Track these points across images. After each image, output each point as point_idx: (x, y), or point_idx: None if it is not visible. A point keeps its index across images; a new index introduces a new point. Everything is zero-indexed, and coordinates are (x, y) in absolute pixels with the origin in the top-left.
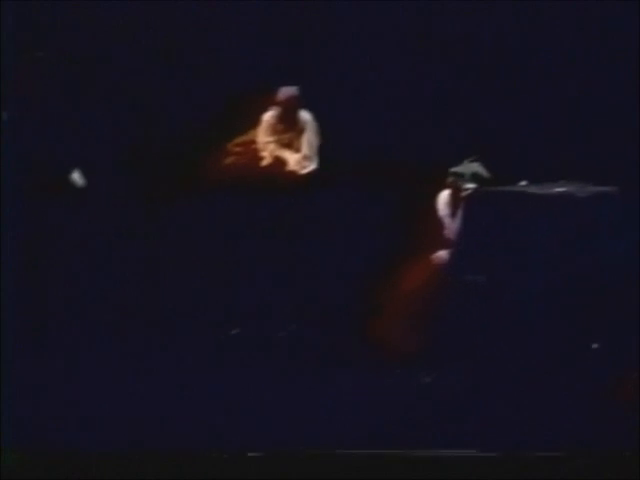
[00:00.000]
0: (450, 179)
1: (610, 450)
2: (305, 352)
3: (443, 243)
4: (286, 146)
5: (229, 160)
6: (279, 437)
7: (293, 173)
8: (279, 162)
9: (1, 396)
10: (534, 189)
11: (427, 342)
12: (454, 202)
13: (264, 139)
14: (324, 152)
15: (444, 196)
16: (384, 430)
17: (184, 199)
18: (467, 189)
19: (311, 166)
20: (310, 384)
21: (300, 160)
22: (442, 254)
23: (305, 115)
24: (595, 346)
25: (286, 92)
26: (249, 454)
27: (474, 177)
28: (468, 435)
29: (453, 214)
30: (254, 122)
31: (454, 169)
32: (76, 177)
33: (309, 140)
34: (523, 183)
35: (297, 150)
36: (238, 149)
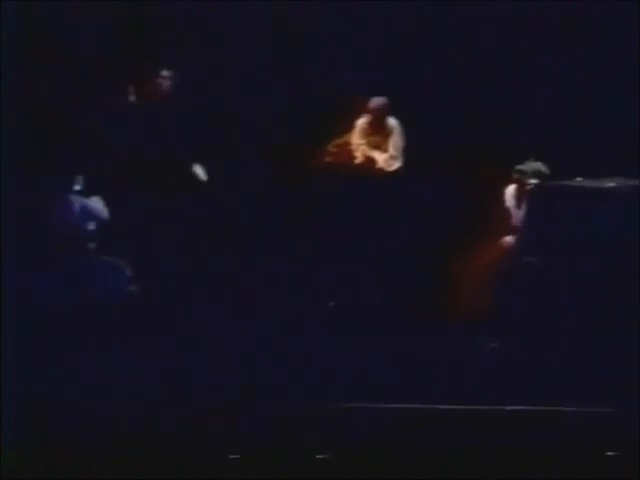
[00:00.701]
0: (516, 175)
1: (610, 450)
2: (392, 319)
3: (509, 229)
4: (376, 147)
5: (329, 158)
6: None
7: (381, 170)
8: (370, 161)
9: (1, 396)
10: (588, 184)
11: (493, 311)
12: (519, 195)
13: (357, 141)
14: (408, 152)
15: (510, 190)
16: (456, 387)
17: (292, 189)
18: (530, 184)
19: (397, 164)
20: (393, 347)
21: (387, 159)
22: (508, 239)
23: (392, 121)
24: None
25: (377, 101)
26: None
27: (536, 174)
28: (528, 391)
29: (518, 205)
30: (349, 127)
31: (519, 167)
32: (198, 170)
33: (395, 142)
34: (579, 179)
35: (385, 151)
36: (336, 149)
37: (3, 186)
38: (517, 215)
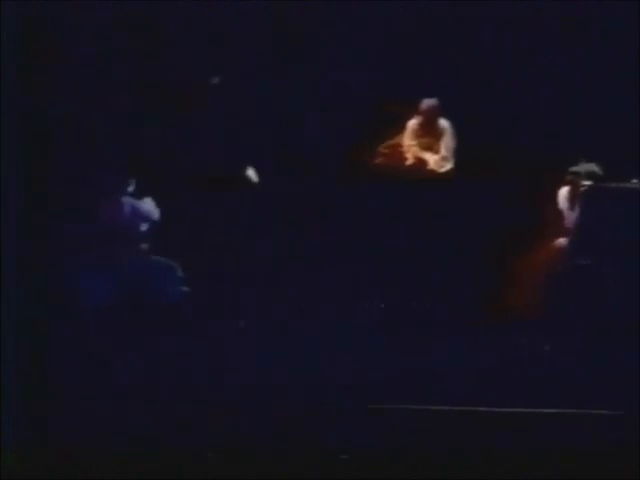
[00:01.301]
0: (569, 177)
1: (610, 450)
2: (441, 319)
3: (563, 231)
4: (427, 149)
5: (380, 160)
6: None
7: (433, 171)
8: (421, 162)
9: (1, 396)
10: None
11: (546, 312)
12: (573, 197)
13: (408, 142)
14: (460, 153)
15: (564, 191)
16: (507, 390)
17: (344, 190)
18: (583, 185)
19: (448, 165)
20: (445, 347)
21: (439, 161)
22: (562, 240)
23: (443, 122)
24: None
25: (428, 103)
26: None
27: (589, 175)
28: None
29: (572, 207)
30: (400, 128)
31: (573, 168)
32: (251, 174)
33: (447, 143)
34: (634, 180)
35: (436, 152)
36: (387, 151)
37: (3, 186)
38: (571, 216)
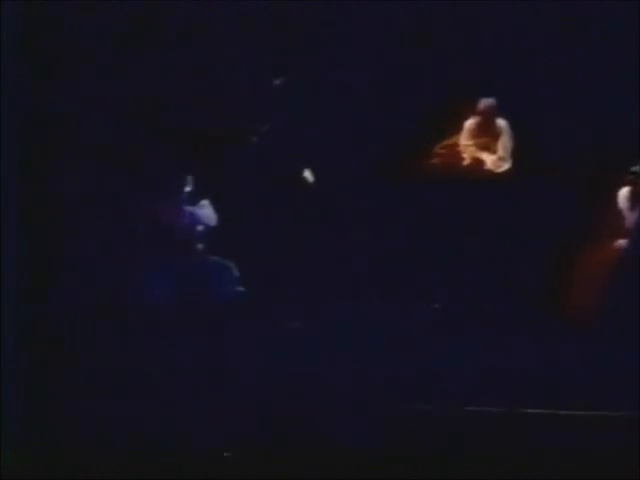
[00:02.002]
0: (630, 177)
1: (610, 450)
2: (504, 320)
3: (622, 231)
4: (484, 149)
5: (436, 160)
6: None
7: (490, 172)
8: (478, 162)
9: (1, 396)
10: None
11: (605, 313)
12: (633, 197)
13: (465, 142)
14: (518, 153)
15: (624, 192)
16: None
17: (398, 191)
18: None
19: (505, 166)
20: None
21: (496, 161)
22: (622, 240)
23: (501, 122)
24: None
25: (485, 102)
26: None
27: None
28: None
29: (632, 207)
30: (457, 128)
31: (633, 168)
32: (307, 175)
33: (504, 143)
34: None
35: (493, 152)
36: (443, 151)
37: (3, 186)
38: (631, 217)
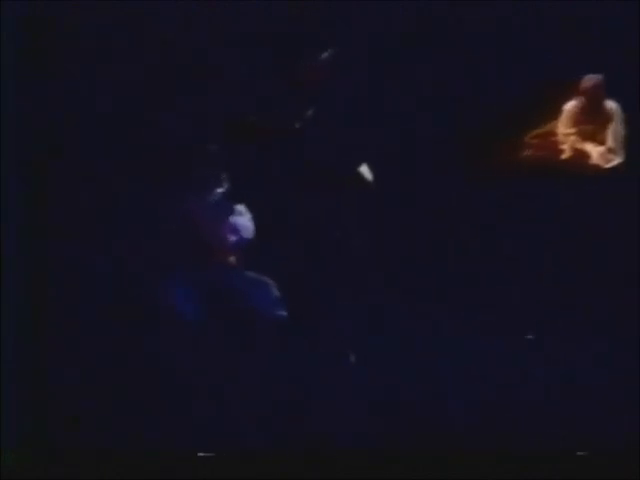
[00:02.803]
0: None
1: (610, 450)
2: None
3: None
4: (589, 138)
5: (527, 152)
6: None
7: (596, 167)
8: (581, 155)
9: (1, 396)
10: None
11: None
12: None
13: (565, 131)
14: (631, 144)
15: None
16: None
17: (484, 189)
18: None
19: (617, 160)
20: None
21: (604, 153)
22: None
23: (611, 105)
24: None
25: (591, 80)
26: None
27: None
28: None
29: None
30: (554, 113)
31: None
32: (365, 171)
33: (615, 132)
34: None
35: (601, 143)
36: (536, 141)
37: (3, 186)
38: None
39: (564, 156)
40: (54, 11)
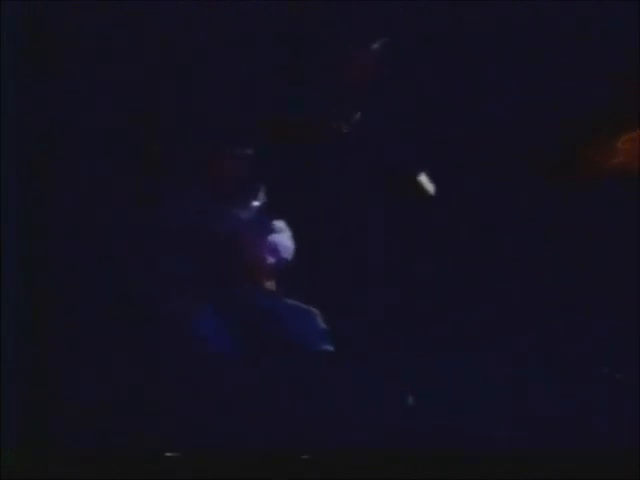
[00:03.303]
0: None
1: (610, 450)
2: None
3: None
4: None
5: (618, 159)
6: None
7: None
8: None
9: (1, 396)
10: None
11: None
12: None
13: None
14: None
15: None
16: None
17: (567, 197)
18: None
19: None
20: None
21: None
22: None
23: None
24: None
25: None
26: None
27: None
28: None
29: None
30: None
31: None
32: (424, 180)
33: None
34: None
35: None
36: (628, 146)
37: (3, 186)
38: None
39: None
40: (54, 11)
